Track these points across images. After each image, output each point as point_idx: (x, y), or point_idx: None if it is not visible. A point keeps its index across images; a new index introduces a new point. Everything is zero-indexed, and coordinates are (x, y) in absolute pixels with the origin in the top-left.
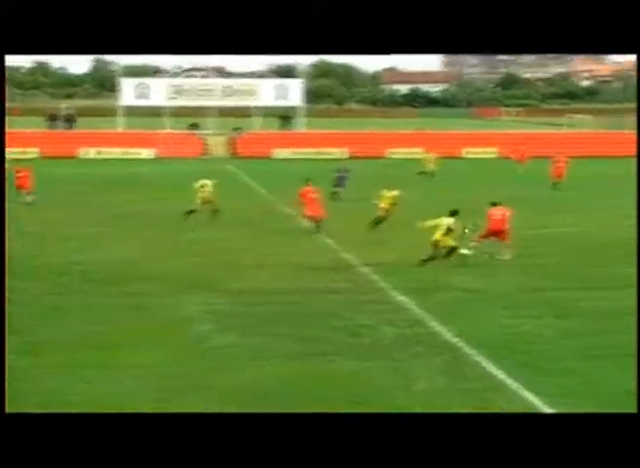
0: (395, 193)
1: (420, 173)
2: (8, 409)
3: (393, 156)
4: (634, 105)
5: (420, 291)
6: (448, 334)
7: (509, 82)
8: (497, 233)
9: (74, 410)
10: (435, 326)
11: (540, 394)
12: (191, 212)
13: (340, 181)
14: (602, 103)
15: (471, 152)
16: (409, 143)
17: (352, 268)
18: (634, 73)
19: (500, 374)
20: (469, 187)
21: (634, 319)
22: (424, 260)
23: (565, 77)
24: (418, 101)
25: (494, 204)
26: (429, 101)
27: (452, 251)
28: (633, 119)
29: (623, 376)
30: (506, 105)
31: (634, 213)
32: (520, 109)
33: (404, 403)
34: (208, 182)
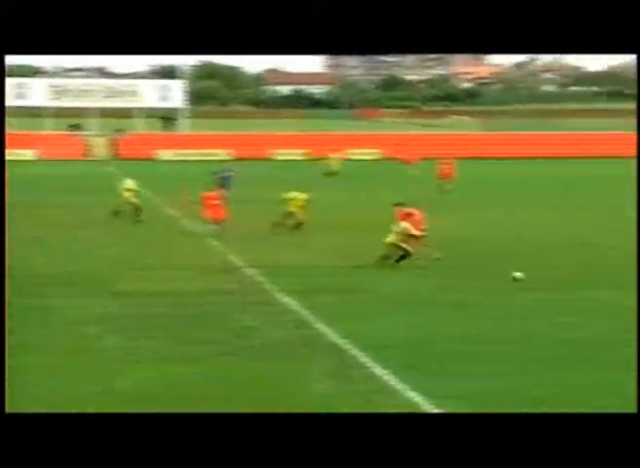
0: (305, 196)
1: (326, 174)
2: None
3: (279, 157)
4: (514, 107)
5: (305, 293)
6: (334, 336)
7: (391, 84)
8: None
9: None
10: (321, 327)
11: (427, 395)
12: (117, 212)
13: (223, 182)
14: (482, 105)
15: (355, 153)
16: (294, 144)
17: (239, 270)
18: (514, 75)
19: (386, 375)
20: (374, 189)
21: (523, 321)
22: (382, 258)
23: (446, 79)
24: (301, 102)
25: (397, 204)
26: (313, 103)
27: (404, 256)
28: (517, 121)
29: (516, 378)
30: (388, 107)
31: (519, 213)
32: (402, 111)
33: (293, 403)
34: (131, 183)
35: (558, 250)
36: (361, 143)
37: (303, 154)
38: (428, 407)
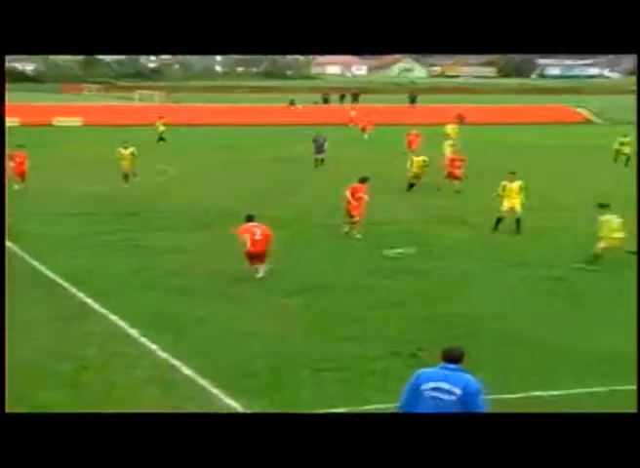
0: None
1: (160, 139)
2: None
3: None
4: (192, 83)
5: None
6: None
7: (91, 63)
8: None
9: None
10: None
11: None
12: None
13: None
14: (166, 81)
15: (61, 121)
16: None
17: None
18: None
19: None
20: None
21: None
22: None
23: (136, 59)
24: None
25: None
26: (23, 78)
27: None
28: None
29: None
30: (87, 82)
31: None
32: (100, 86)
33: None
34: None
35: None
36: (66, 112)
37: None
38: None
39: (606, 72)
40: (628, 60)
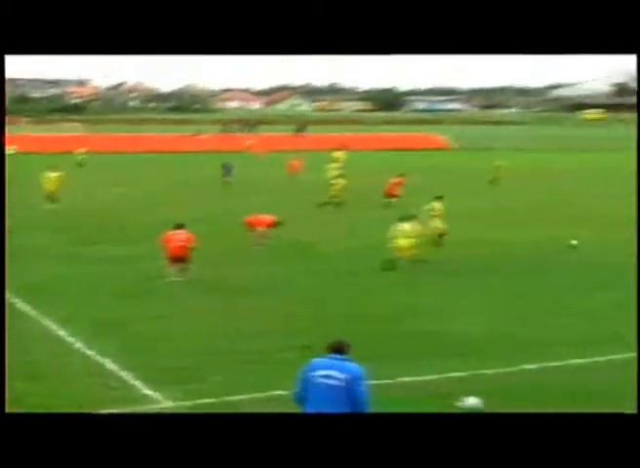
0: None
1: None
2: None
3: None
4: (110, 117)
5: None
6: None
7: (23, 99)
8: (179, 259)
9: None
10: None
11: None
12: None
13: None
14: (89, 115)
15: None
16: None
17: None
18: (110, 94)
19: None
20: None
21: None
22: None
23: (61, 96)
24: None
25: (178, 226)
26: None
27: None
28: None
29: None
30: (21, 116)
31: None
32: (31, 119)
33: None
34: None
35: None
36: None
37: None
38: None
39: (464, 106)
40: (481, 97)
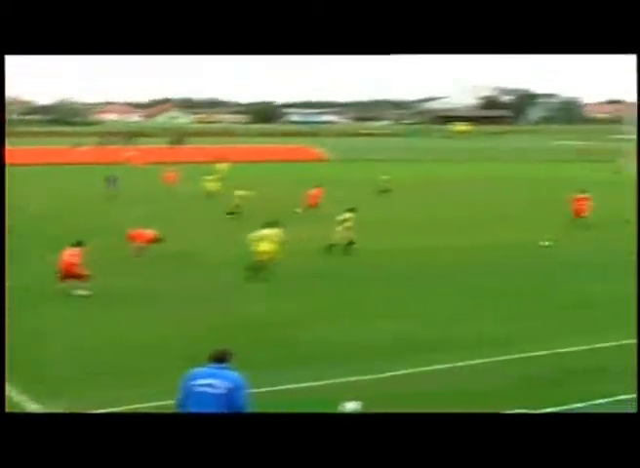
0: None
1: None
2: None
3: None
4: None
5: None
6: None
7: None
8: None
9: None
10: None
11: None
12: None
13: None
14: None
15: None
16: None
17: None
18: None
19: None
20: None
21: None
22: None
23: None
24: None
25: (77, 243)
26: None
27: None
28: None
29: None
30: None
31: None
32: None
33: None
34: None
35: None
36: None
37: None
38: None
39: (339, 119)
40: (354, 109)
